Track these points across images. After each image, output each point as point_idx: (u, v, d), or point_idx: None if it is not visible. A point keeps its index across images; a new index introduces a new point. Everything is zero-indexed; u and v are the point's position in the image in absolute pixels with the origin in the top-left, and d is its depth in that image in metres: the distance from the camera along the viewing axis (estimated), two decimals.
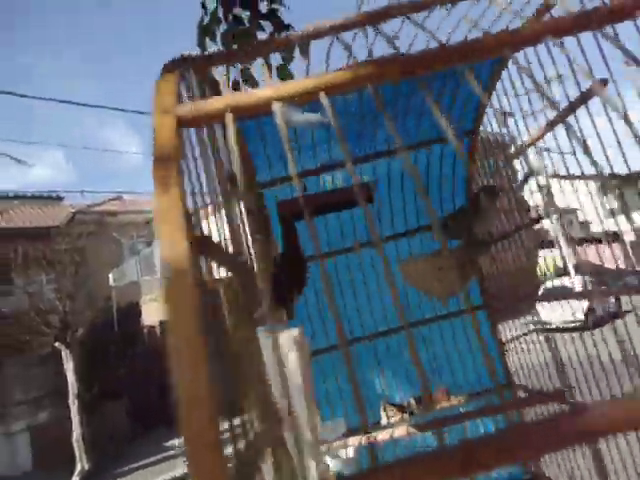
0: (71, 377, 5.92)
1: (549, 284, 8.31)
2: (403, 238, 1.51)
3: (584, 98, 0.91)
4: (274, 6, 2.04)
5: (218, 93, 0.84)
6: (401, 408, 1.50)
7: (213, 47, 2.09)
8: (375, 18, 0.73)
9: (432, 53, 0.43)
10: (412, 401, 1.52)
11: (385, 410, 1.50)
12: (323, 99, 0.40)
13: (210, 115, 0.39)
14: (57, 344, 6.12)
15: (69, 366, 5.99)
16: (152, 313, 7.66)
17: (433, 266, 1.22)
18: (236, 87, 2.12)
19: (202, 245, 0.41)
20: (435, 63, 0.43)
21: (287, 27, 2.03)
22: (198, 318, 0.28)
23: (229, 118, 0.38)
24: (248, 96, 0.39)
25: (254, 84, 2.10)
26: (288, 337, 0.49)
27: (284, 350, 0.49)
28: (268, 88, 0.39)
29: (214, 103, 0.39)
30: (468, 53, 0.42)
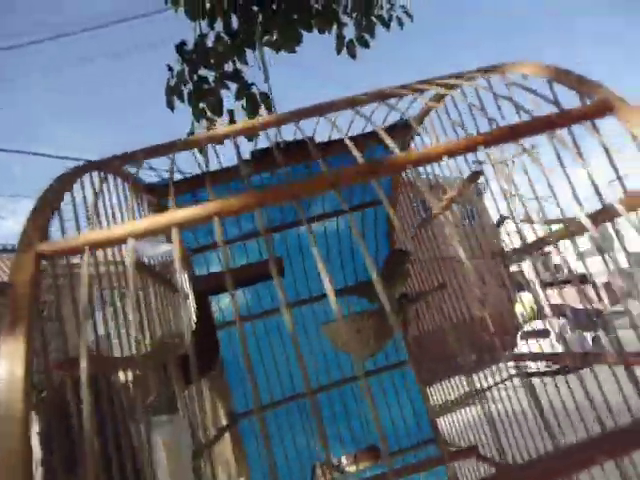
0: (35, 442, 5.57)
1: (527, 327, 8.50)
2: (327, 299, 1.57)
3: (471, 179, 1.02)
4: (238, 67, 2.16)
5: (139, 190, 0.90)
6: (331, 468, 1.52)
7: (181, 106, 2.18)
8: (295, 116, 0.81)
9: (316, 180, 0.49)
10: (343, 460, 1.54)
11: (316, 471, 1.51)
12: (175, 234, 0.45)
13: (69, 251, 0.43)
14: None
15: (33, 430, 5.65)
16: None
17: (352, 328, 1.28)
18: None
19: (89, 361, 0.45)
20: (315, 188, 0.49)
21: (250, 86, 2.14)
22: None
23: (87, 255, 0.43)
24: (107, 233, 0.44)
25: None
26: (158, 435, 0.52)
27: (162, 448, 0.52)
28: (125, 225, 0.44)
29: (73, 240, 0.43)
30: (378, 170, 0.49)
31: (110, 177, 0.76)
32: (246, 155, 1.09)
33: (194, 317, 0.98)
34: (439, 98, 0.98)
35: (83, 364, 0.38)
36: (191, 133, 2.12)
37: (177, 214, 0.46)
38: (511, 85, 0.63)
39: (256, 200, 0.46)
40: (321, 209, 1.44)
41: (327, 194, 1.36)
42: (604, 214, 0.59)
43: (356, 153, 0.61)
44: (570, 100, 0.60)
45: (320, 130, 1.06)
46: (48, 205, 0.49)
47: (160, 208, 1.14)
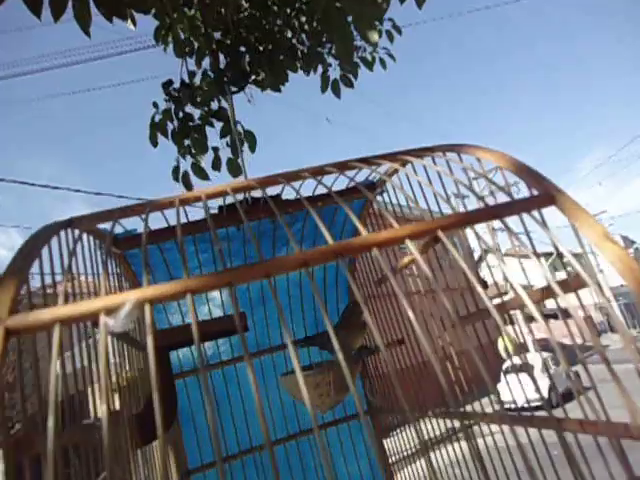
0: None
1: (509, 362, 8.45)
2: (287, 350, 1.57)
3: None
4: (223, 105, 2.20)
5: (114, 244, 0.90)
6: None
7: (164, 143, 2.19)
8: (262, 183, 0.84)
9: (287, 259, 0.51)
10: None
11: None
12: (147, 312, 0.46)
13: (40, 326, 0.43)
14: None
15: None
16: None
17: (310, 381, 1.28)
18: (186, 180, 2.20)
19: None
20: (256, 275, 0.51)
21: (235, 124, 2.17)
22: None
23: (57, 330, 0.43)
24: (77, 307, 0.45)
25: (205, 176, 2.19)
26: None
27: None
28: (96, 300, 0.45)
29: (43, 315, 0.44)
30: (345, 251, 0.51)
31: (82, 234, 0.76)
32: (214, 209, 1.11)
33: (153, 373, 0.96)
34: (394, 171, 1.05)
35: (50, 443, 0.38)
36: (176, 168, 2.13)
37: (147, 291, 0.47)
38: (468, 168, 0.69)
39: (228, 279, 0.48)
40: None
41: (289, 242, 1.37)
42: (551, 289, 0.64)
43: (314, 214, 0.64)
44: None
45: (288, 190, 1.10)
46: (17, 273, 0.49)
47: (124, 259, 1.14)
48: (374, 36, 1.54)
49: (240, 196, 1.12)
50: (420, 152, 0.87)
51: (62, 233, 0.70)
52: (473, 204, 0.72)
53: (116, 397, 0.84)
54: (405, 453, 1.49)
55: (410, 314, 0.60)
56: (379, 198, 1.17)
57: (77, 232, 0.75)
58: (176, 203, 0.75)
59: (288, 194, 1.17)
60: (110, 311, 0.45)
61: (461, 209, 0.77)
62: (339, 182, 1.05)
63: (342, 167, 0.88)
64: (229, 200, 1.10)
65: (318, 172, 0.87)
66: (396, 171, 1.01)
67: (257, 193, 1.11)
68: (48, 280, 0.64)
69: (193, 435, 1.48)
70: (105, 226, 0.99)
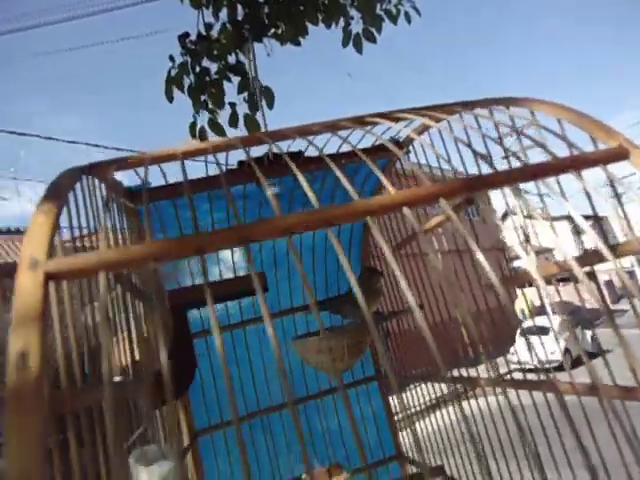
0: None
1: (527, 323, 8.37)
2: (301, 313, 1.55)
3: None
4: (241, 58, 2.11)
5: (125, 197, 0.85)
6: None
7: (181, 97, 2.12)
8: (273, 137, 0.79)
9: (311, 216, 0.46)
10: (305, 477, 1.51)
11: None
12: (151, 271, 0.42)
13: (82, 271, 0.39)
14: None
15: None
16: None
17: (324, 346, 1.26)
18: (203, 136, 2.13)
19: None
20: (274, 232, 0.45)
21: (253, 79, 2.08)
22: None
23: (102, 276, 0.39)
24: (125, 252, 0.40)
25: (222, 133, 2.12)
26: (158, 475, 0.48)
27: None
28: (145, 246, 0.41)
29: (88, 258, 0.39)
30: (331, 219, 0.47)
31: (97, 182, 0.71)
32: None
33: (170, 333, 0.93)
34: (425, 128, 0.99)
35: (107, 390, 0.34)
36: (192, 124, 2.05)
37: (197, 239, 0.43)
38: (531, 124, 0.64)
39: (244, 234, 0.43)
40: None
41: (308, 202, 1.33)
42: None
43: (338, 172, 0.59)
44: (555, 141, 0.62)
45: (304, 146, 1.04)
46: (49, 214, 0.45)
47: (135, 213, 1.08)
48: None
49: (261, 153, 1.07)
50: (457, 108, 0.81)
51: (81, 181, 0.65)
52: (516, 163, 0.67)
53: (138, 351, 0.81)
54: (413, 410, 1.49)
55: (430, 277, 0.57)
56: (406, 158, 1.12)
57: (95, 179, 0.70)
58: (178, 155, 0.70)
59: (307, 152, 1.11)
60: (159, 258, 0.41)
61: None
62: (357, 140, 0.99)
63: (361, 122, 0.82)
64: (249, 156, 1.04)
65: (336, 127, 0.81)
66: (427, 128, 0.96)
67: (278, 149, 1.06)
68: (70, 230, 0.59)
69: (200, 397, 1.46)
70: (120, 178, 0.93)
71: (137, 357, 0.85)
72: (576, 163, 0.52)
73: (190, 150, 0.65)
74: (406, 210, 0.47)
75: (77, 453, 0.40)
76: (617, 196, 0.56)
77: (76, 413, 0.43)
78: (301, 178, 0.51)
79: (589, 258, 0.67)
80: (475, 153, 0.76)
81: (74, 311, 0.53)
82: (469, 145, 0.75)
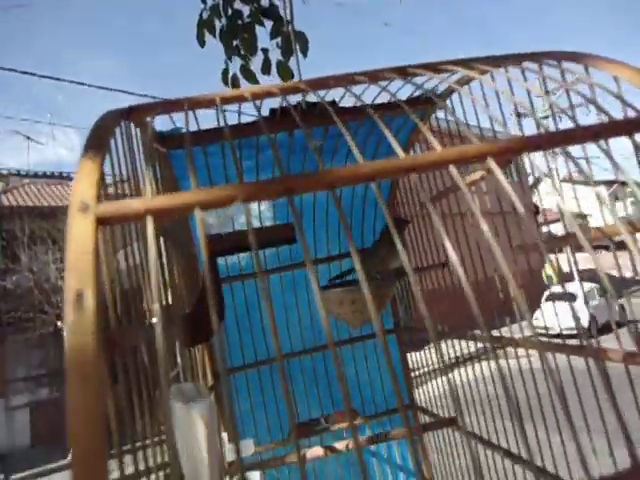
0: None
1: (554, 289, 8.29)
2: (325, 264, 1.57)
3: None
4: (274, 1, 2.03)
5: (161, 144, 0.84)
6: (309, 426, 1.56)
7: (212, 42, 2.07)
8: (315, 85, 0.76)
9: (354, 171, 0.46)
10: (322, 420, 1.58)
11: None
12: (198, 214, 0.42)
13: (130, 216, 0.40)
14: (60, 323, 5.84)
15: None
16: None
17: (347, 298, 1.28)
18: (235, 83, 2.10)
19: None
20: (319, 185, 0.45)
21: (288, 23, 2.02)
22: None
23: (149, 221, 0.39)
24: (172, 199, 0.41)
25: (254, 80, 2.08)
26: (197, 412, 0.51)
27: (192, 424, 0.51)
28: (191, 194, 0.41)
29: (134, 204, 0.40)
30: (376, 174, 0.46)
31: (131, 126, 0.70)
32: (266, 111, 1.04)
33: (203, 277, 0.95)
34: (468, 80, 0.95)
35: (158, 329, 0.36)
36: (225, 71, 2.01)
37: (241, 188, 0.42)
38: (580, 80, 0.60)
39: (289, 185, 0.43)
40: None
41: (337, 154, 1.30)
42: None
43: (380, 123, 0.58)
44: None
45: (339, 98, 1.01)
46: (95, 159, 0.45)
47: (166, 159, 1.08)
48: None
49: (294, 101, 1.04)
50: (503, 61, 0.77)
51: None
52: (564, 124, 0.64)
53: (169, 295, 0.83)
54: (429, 368, 1.52)
55: (483, 225, 0.56)
56: (442, 115, 1.08)
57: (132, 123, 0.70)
58: (217, 101, 0.68)
59: (340, 102, 1.08)
60: (205, 206, 0.41)
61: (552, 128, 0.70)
62: (394, 91, 0.96)
63: (402, 73, 0.79)
64: (282, 104, 1.02)
65: (375, 77, 0.78)
66: (470, 80, 0.92)
67: (312, 98, 1.03)
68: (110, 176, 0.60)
69: (225, 340, 1.52)
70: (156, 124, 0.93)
71: (169, 301, 0.87)
72: (629, 126, 0.50)
73: (228, 96, 0.64)
74: (453, 169, 0.45)
75: (126, 390, 0.42)
76: None
77: (124, 352, 0.45)
78: (344, 131, 0.50)
79: (630, 227, 0.65)
80: (528, 109, 0.73)
81: (115, 255, 0.55)
82: (515, 101, 0.71)
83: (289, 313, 1.57)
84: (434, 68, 0.79)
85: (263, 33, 2.02)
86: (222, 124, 1.04)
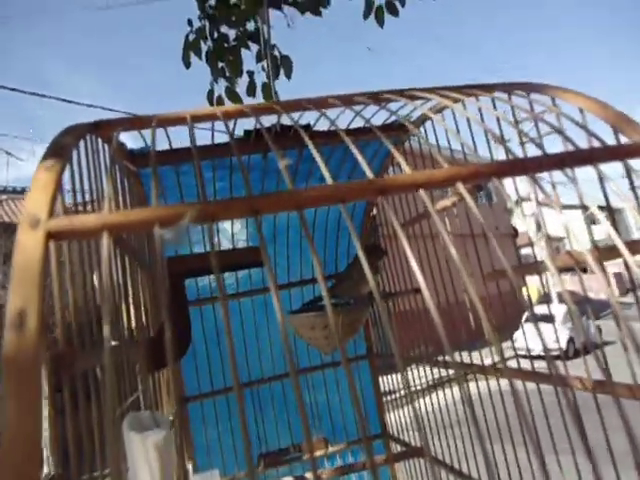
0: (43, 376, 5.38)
1: (530, 311, 8.42)
2: (298, 287, 1.55)
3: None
4: (259, 26, 2.06)
5: (125, 158, 0.82)
6: (278, 455, 1.51)
7: (198, 63, 2.09)
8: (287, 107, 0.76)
9: (323, 192, 0.45)
10: (291, 448, 1.54)
11: (261, 458, 1.50)
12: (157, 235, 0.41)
13: (84, 232, 0.38)
14: None
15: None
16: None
17: (319, 322, 1.26)
18: (220, 104, 2.10)
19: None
20: (286, 205, 0.44)
21: (272, 47, 2.04)
22: None
23: (106, 238, 0.37)
24: (129, 215, 0.39)
25: (239, 101, 2.09)
26: (152, 442, 0.48)
27: (147, 454, 0.48)
28: (150, 209, 0.39)
29: (89, 220, 0.38)
30: (346, 195, 0.45)
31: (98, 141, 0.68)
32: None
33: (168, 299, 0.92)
34: (441, 109, 0.96)
35: (107, 356, 0.33)
36: (210, 92, 2.01)
37: (205, 206, 0.41)
38: (550, 111, 0.62)
39: (256, 206, 0.42)
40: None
41: (309, 177, 1.29)
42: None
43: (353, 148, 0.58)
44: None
45: (312, 120, 1.02)
46: (52, 171, 0.43)
47: (137, 177, 1.06)
48: None
49: (269, 123, 1.04)
50: (475, 90, 0.79)
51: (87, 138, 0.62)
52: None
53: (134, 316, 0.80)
54: (401, 393, 1.50)
55: (414, 264, 0.56)
56: (418, 139, 1.10)
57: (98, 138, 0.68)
58: (187, 119, 0.67)
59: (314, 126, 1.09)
60: (164, 223, 0.40)
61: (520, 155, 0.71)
62: (369, 117, 0.96)
63: (375, 98, 0.80)
64: (256, 126, 1.02)
65: (349, 101, 0.79)
66: (443, 108, 0.93)
67: (287, 121, 1.03)
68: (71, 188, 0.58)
69: (192, 363, 1.47)
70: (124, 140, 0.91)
71: (133, 323, 0.84)
72: (599, 155, 0.51)
73: (199, 114, 0.63)
74: (422, 192, 0.45)
75: (72, 416, 0.39)
76: (633, 189, 0.55)
77: (74, 375, 0.42)
78: (315, 152, 0.50)
79: (604, 253, 0.66)
80: (497, 137, 0.74)
81: (76, 273, 0.52)
82: (485, 128, 0.73)
83: (260, 337, 1.54)
84: (408, 95, 0.80)
85: (249, 56, 2.05)
86: (195, 142, 1.02)
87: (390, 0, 2.20)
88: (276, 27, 2.06)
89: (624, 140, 0.55)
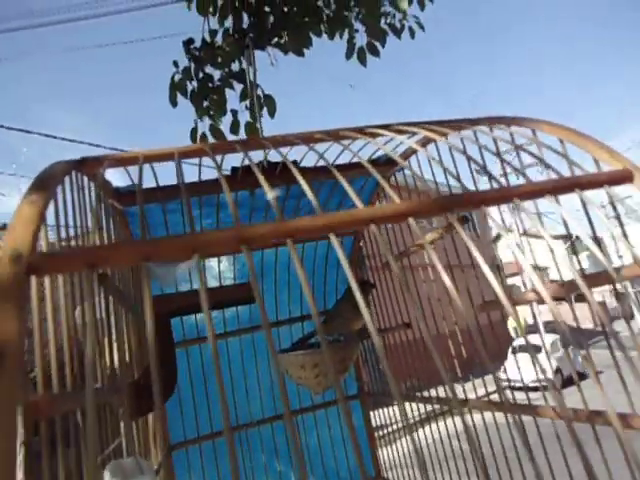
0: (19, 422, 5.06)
1: (519, 341, 8.31)
2: (287, 326, 1.52)
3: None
4: (244, 66, 2.11)
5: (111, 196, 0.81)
6: None
7: (184, 102, 2.14)
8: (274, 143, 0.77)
9: (314, 223, 0.45)
10: None
11: None
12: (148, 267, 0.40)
13: (66, 267, 0.36)
14: None
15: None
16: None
17: (309, 361, 1.23)
18: (204, 140, 2.12)
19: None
20: (276, 235, 0.44)
21: (256, 86, 2.10)
22: None
23: (88, 273, 0.36)
24: (107, 249, 0.38)
25: (221, 138, 2.12)
26: None
27: None
28: (138, 245, 0.38)
29: (71, 255, 0.37)
30: (336, 225, 0.45)
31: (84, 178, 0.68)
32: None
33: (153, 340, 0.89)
34: (427, 142, 0.99)
35: (89, 395, 0.31)
36: (194, 130, 2.05)
37: (192, 239, 0.40)
38: (532, 142, 0.63)
39: (245, 238, 0.41)
40: None
41: (298, 214, 1.31)
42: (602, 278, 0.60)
43: (343, 182, 0.58)
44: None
45: (297, 156, 1.03)
46: (35, 206, 0.42)
47: (122, 216, 1.05)
48: (403, 3, 1.46)
49: (256, 159, 1.05)
50: (459, 124, 0.81)
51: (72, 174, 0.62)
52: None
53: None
54: (393, 428, 1.46)
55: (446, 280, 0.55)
56: (405, 172, 1.11)
57: (85, 178, 0.68)
58: (175, 155, 0.67)
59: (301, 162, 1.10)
60: (149, 258, 0.39)
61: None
62: (355, 152, 0.98)
63: (364, 133, 0.81)
64: (245, 162, 1.02)
65: (337, 136, 0.80)
66: (429, 142, 0.95)
67: (274, 158, 1.04)
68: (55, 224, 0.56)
69: (177, 409, 1.41)
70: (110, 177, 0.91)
71: (116, 364, 0.81)
72: (578, 183, 0.52)
73: (187, 150, 0.63)
74: (411, 220, 0.45)
75: (48, 461, 0.37)
76: (619, 218, 0.56)
77: (52, 420, 0.39)
78: (304, 184, 0.50)
79: (588, 281, 0.66)
80: (483, 168, 0.75)
81: (58, 310, 0.50)
82: (470, 159, 0.74)
83: (248, 378, 1.50)
84: (394, 129, 0.81)
85: (232, 95, 2.10)
86: (183, 179, 1.02)
87: (370, 41, 2.29)
88: (258, 67, 2.12)
89: (606, 168, 0.56)
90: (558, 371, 8.90)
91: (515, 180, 0.75)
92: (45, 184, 0.47)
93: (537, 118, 0.66)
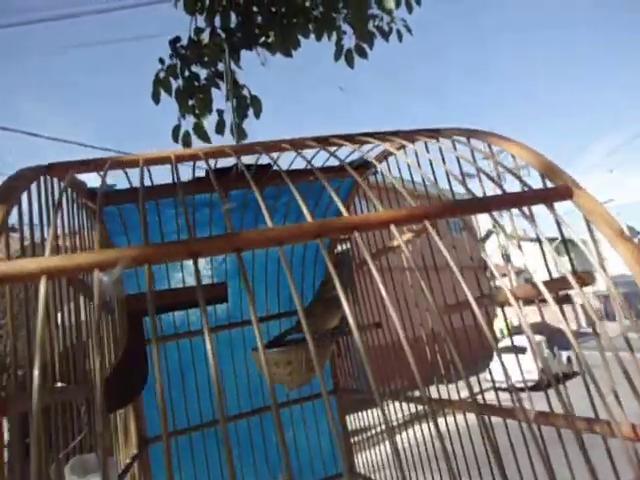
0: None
1: (503, 343, 8.45)
2: (263, 324, 1.55)
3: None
4: (232, 67, 2.12)
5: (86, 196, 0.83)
6: None
7: (167, 99, 2.14)
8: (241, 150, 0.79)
9: (260, 235, 0.48)
10: None
11: None
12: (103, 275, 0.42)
13: (24, 277, 0.39)
14: None
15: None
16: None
17: (282, 359, 1.26)
18: (186, 140, 2.12)
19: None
20: (260, 244, 0.47)
21: (242, 87, 2.10)
22: None
23: (43, 283, 0.39)
24: (68, 260, 0.40)
25: (206, 138, 2.12)
26: None
27: None
28: (90, 254, 0.40)
29: (29, 264, 0.39)
30: (321, 232, 0.47)
31: (55, 181, 0.70)
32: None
33: (125, 338, 0.91)
34: (394, 149, 1.02)
35: (35, 401, 0.34)
36: (176, 128, 2.05)
37: (148, 249, 0.43)
38: (488, 157, 0.66)
39: (193, 249, 0.44)
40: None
41: (276, 214, 1.32)
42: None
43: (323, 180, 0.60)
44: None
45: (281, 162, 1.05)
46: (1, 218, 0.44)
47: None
48: (390, 3, 1.48)
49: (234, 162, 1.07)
50: (425, 134, 0.84)
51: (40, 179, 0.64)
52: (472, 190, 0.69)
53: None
54: (372, 432, 1.49)
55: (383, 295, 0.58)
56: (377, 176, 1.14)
57: (56, 180, 0.69)
58: (139, 162, 0.70)
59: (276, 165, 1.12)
60: (103, 267, 0.41)
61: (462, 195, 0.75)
62: (327, 157, 1.01)
63: (327, 143, 0.84)
64: (221, 165, 1.04)
65: (302, 145, 0.83)
66: (390, 154, 0.98)
67: (250, 160, 1.06)
68: (25, 230, 0.58)
69: (154, 403, 1.43)
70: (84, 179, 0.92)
71: (89, 363, 0.83)
72: (521, 199, 0.55)
73: (152, 158, 0.66)
74: (393, 228, 0.48)
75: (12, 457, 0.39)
76: (561, 233, 0.59)
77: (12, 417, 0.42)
78: (293, 187, 0.53)
79: (557, 283, 0.70)
80: (456, 177, 0.78)
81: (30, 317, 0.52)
82: (416, 170, 0.77)
83: (225, 374, 1.52)
84: (356, 140, 0.84)
85: (219, 95, 2.11)
86: (160, 181, 1.04)
87: (358, 43, 2.31)
88: (246, 68, 2.13)
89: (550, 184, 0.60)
90: (543, 372, 9.05)
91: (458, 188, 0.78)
92: (8, 193, 0.49)
93: (495, 133, 0.69)
